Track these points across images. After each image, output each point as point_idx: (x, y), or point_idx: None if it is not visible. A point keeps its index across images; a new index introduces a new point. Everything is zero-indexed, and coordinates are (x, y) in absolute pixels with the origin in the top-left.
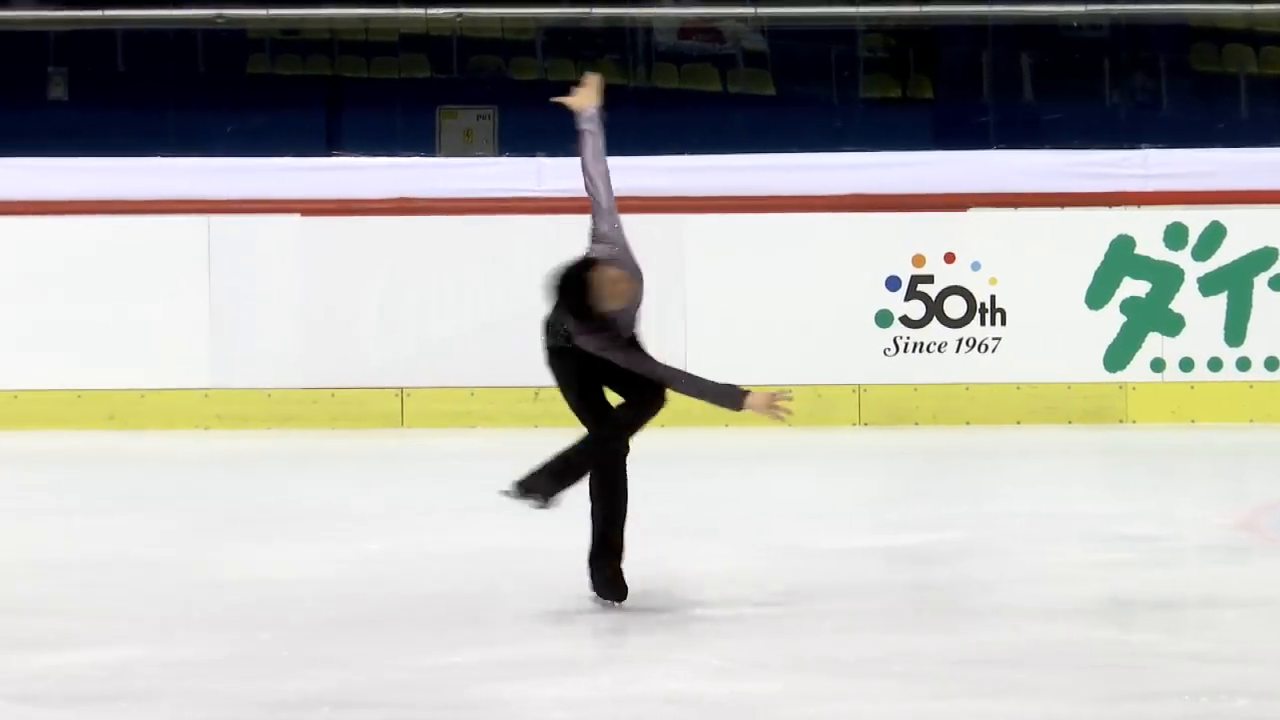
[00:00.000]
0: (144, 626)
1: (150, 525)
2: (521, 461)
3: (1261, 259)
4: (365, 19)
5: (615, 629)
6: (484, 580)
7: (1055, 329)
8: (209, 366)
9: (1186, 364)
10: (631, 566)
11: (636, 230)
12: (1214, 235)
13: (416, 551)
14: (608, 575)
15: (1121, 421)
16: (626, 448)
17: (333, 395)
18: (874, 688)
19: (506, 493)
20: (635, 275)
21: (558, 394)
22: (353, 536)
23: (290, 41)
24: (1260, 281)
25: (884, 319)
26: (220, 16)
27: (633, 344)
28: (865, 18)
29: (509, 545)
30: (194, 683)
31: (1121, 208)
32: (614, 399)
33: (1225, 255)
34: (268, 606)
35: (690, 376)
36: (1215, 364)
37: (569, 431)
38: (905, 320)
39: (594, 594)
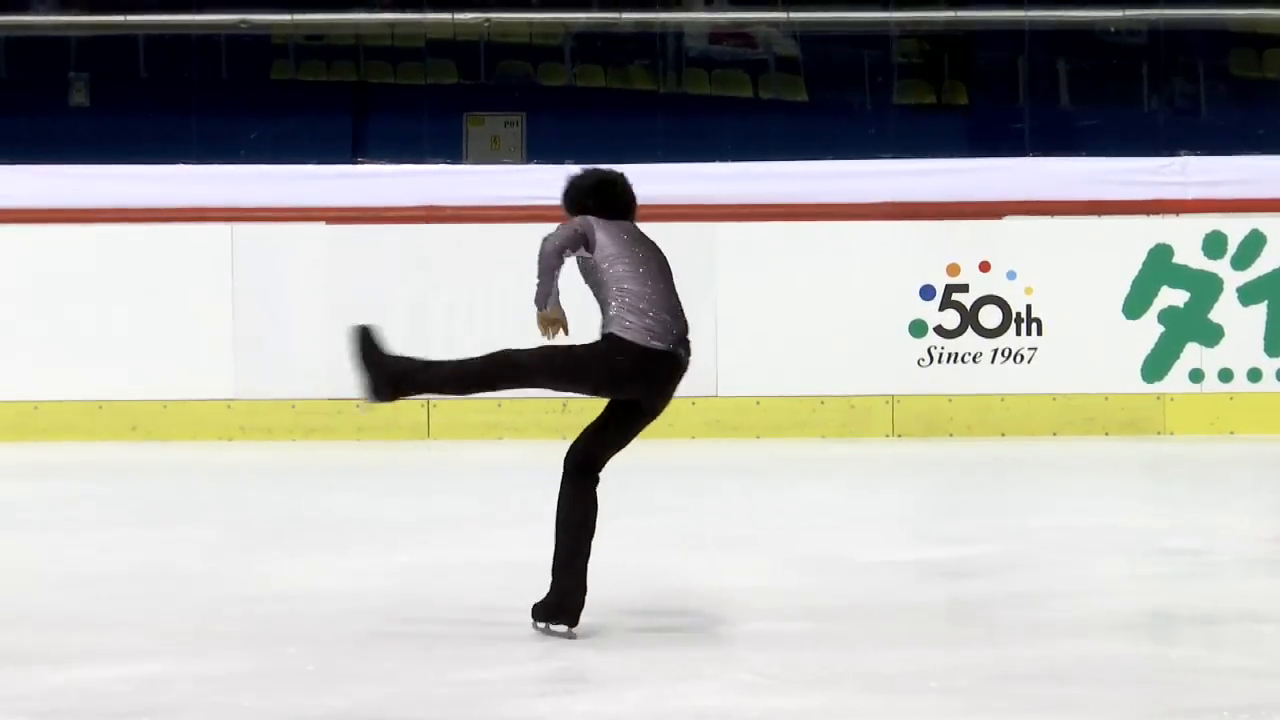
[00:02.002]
0: (170, 640)
1: (175, 538)
2: (548, 474)
3: None
4: (391, 24)
5: (647, 644)
6: (514, 594)
7: (1092, 339)
8: (233, 377)
9: (1225, 374)
10: (665, 579)
11: (667, 238)
12: (1254, 243)
13: (445, 565)
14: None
15: (1159, 433)
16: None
17: (358, 406)
18: (909, 704)
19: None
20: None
21: (586, 405)
22: (381, 549)
23: (315, 47)
24: None
25: (918, 329)
26: (244, 21)
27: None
28: (899, 23)
29: (538, 559)
30: (220, 698)
31: (1159, 215)
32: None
33: (1265, 264)
34: (295, 621)
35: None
36: (1255, 374)
37: None
38: (940, 330)
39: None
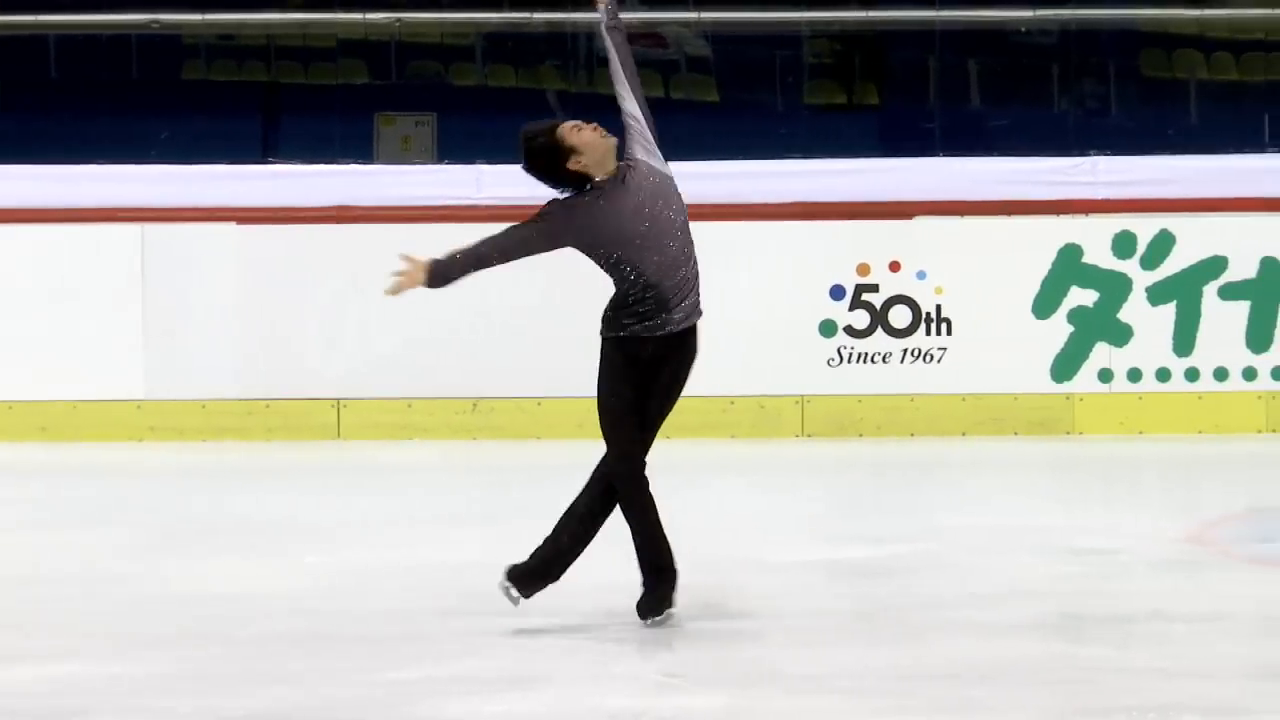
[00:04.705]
0: (87, 642)
1: (89, 540)
2: (459, 475)
3: (1210, 268)
4: (303, 24)
5: (559, 645)
6: (428, 595)
7: (1001, 339)
8: (143, 377)
9: (1134, 374)
10: (576, 578)
11: None
12: (1163, 244)
13: (359, 566)
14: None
15: (1069, 433)
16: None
17: (268, 406)
18: (819, 704)
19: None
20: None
21: (496, 405)
22: (294, 551)
23: (226, 47)
24: (1209, 291)
25: (828, 329)
26: (155, 21)
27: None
28: (810, 23)
29: (452, 559)
30: (136, 699)
31: (1069, 215)
32: None
33: (1174, 264)
34: (212, 622)
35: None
36: (1163, 374)
37: (506, 444)
38: (849, 330)
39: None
